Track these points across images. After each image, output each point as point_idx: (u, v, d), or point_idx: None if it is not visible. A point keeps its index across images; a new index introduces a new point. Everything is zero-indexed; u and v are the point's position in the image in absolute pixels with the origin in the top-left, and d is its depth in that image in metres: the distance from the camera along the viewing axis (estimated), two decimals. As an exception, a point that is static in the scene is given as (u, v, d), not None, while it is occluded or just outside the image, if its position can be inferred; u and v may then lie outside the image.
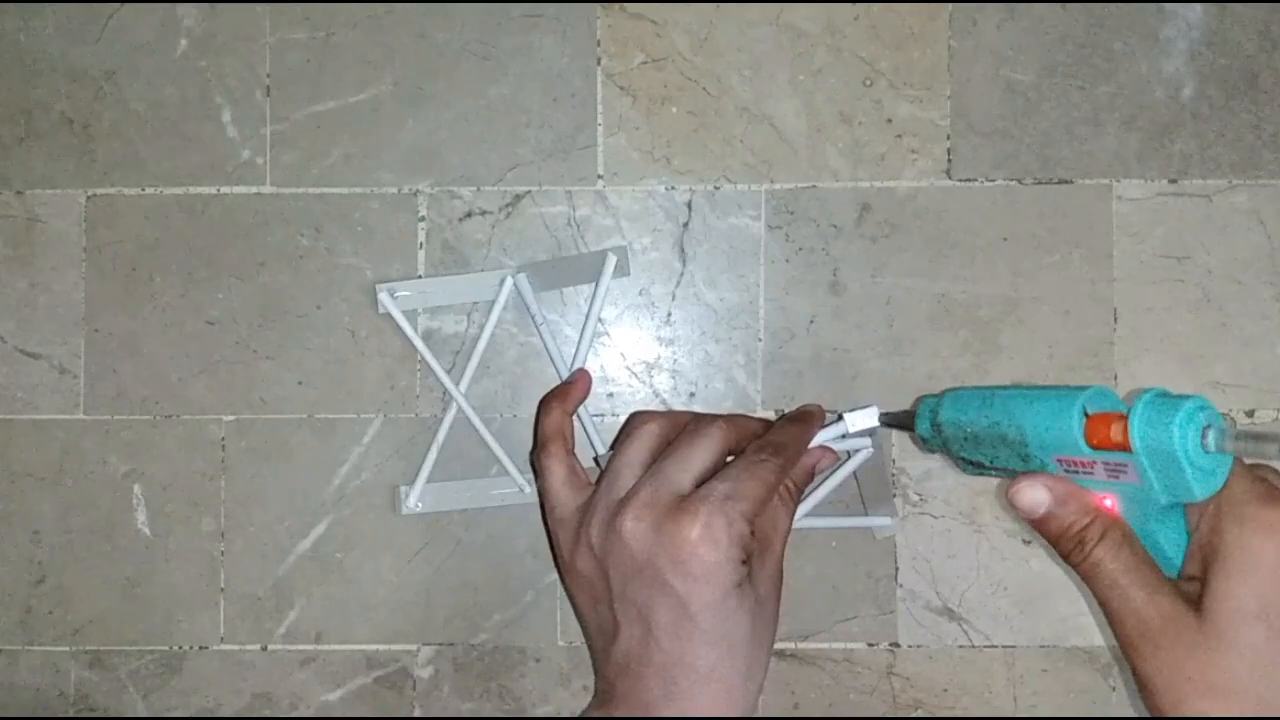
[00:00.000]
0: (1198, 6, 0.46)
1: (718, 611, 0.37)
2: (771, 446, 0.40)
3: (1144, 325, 0.46)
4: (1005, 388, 0.37)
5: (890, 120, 0.47)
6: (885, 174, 0.47)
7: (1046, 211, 0.46)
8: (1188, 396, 0.32)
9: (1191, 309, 0.46)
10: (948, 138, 0.47)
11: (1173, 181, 0.46)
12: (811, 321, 0.47)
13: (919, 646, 0.46)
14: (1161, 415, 0.31)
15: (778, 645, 0.46)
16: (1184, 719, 0.31)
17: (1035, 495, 0.34)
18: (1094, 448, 0.33)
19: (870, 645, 0.46)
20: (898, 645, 0.46)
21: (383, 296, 0.46)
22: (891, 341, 0.46)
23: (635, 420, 0.42)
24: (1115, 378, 0.46)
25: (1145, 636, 0.32)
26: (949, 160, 0.47)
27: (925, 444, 0.40)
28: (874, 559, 0.46)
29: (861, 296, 0.47)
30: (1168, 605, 0.32)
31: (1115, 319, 0.46)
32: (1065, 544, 0.34)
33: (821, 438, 0.42)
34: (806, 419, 0.42)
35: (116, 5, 0.47)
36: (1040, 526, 0.35)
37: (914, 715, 0.46)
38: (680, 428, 0.41)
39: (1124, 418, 0.32)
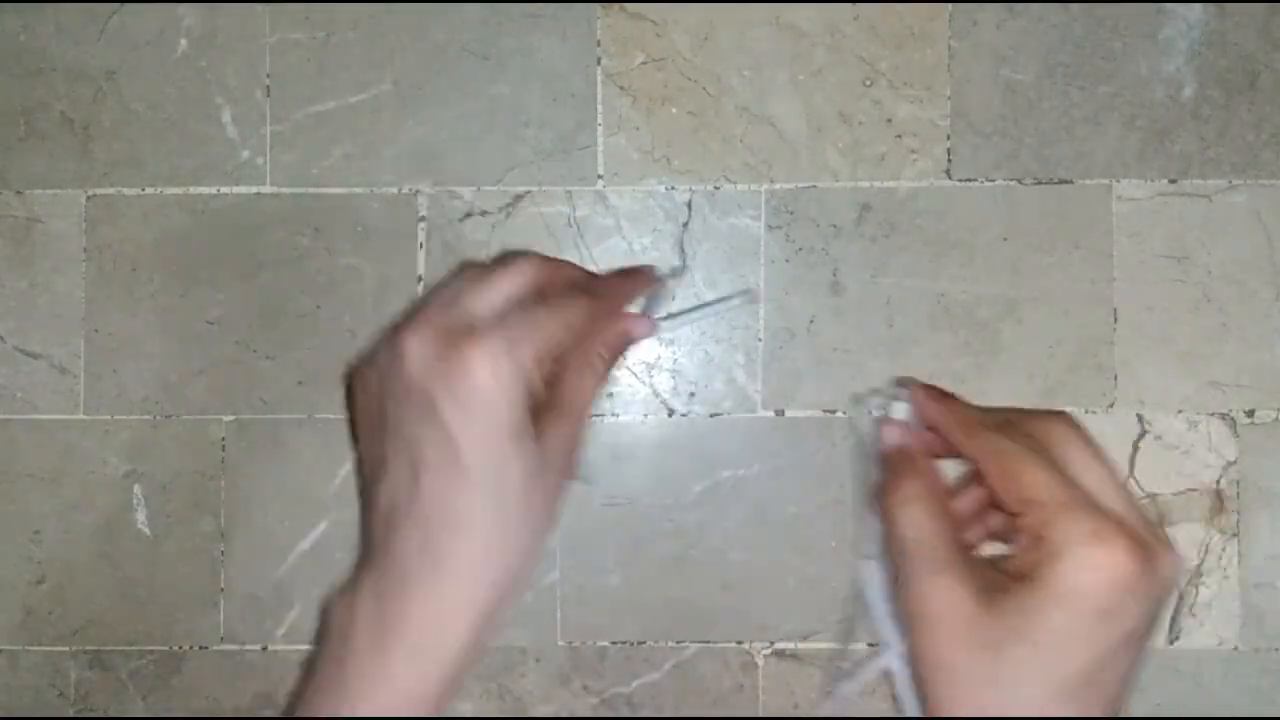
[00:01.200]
0: (1198, 6, 0.46)
1: (489, 455, 0.33)
2: (586, 291, 0.37)
3: (1144, 325, 0.46)
4: None
5: (890, 120, 0.47)
6: (885, 174, 0.47)
7: (1046, 211, 0.46)
8: None
9: (1191, 309, 0.46)
10: (948, 138, 0.47)
11: (1173, 181, 0.46)
12: (811, 321, 0.47)
13: (919, 646, 0.46)
14: None
15: (778, 645, 0.46)
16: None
17: (888, 433, 0.37)
18: None
19: (870, 645, 0.46)
20: (898, 645, 0.46)
21: None
22: (891, 341, 0.46)
23: (511, 258, 0.38)
24: (1115, 378, 0.46)
25: (924, 615, 0.32)
26: (949, 160, 0.47)
27: None
28: (874, 559, 0.46)
29: (861, 296, 0.47)
30: (950, 589, 0.32)
31: (1115, 319, 0.46)
32: (885, 484, 0.36)
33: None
34: (634, 276, 0.40)
35: (116, 5, 0.47)
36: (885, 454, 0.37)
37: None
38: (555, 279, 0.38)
39: None
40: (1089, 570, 0.30)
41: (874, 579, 0.38)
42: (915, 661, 0.33)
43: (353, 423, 0.38)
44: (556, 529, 0.36)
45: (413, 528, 0.34)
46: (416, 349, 0.34)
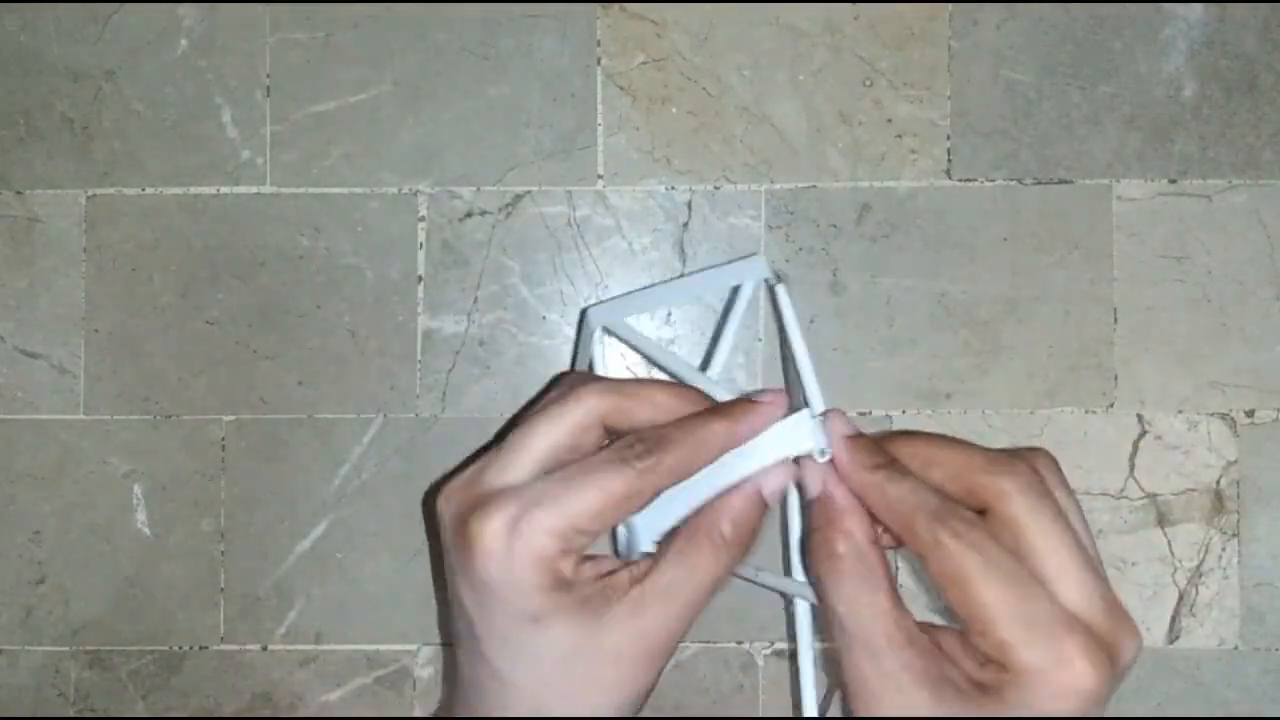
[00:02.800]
0: (1198, 6, 0.46)
1: (505, 643, 0.29)
2: (649, 441, 0.30)
3: (1144, 325, 0.46)
4: None
5: (890, 120, 0.47)
6: (885, 174, 0.47)
7: (1046, 211, 0.46)
8: None
9: (1191, 309, 0.46)
10: (948, 138, 0.47)
11: (1173, 181, 0.46)
12: (811, 321, 0.47)
13: (919, 646, 0.46)
14: None
15: (778, 645, 0.46)
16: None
17: (811, 479, 0.31)
18: None
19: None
20: (898, 645, 0.46)
21: (597, 334, 0.37)
22: (891, 341, 0.46)
23: (569, 392, 0.31)
24: (1115, 378, 0.46)
25: (862, 688, 0.29)
26: (949, 160, 0.47)
27: None
28: (874, 559, 0.46)
29: (861, 296, 0.47)
30: (911, 692, 0.28)
31: (1115, 319, 0.46)
32: (810, 537, 0.31)
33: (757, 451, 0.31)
34: (735, 412, 0.31)
35: (116, 5, 0.47)
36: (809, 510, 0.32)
37: (914, 715, 0.46)
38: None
39: None
40: (1059, 697, 0.27)
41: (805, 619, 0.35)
42: None
43: None
44: (630, 709, 0.31)
45: (459, 696, 0.32)
46: (446, 520, 0.30)
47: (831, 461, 0.31)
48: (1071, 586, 0.28)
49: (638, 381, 0.33)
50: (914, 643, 0.29)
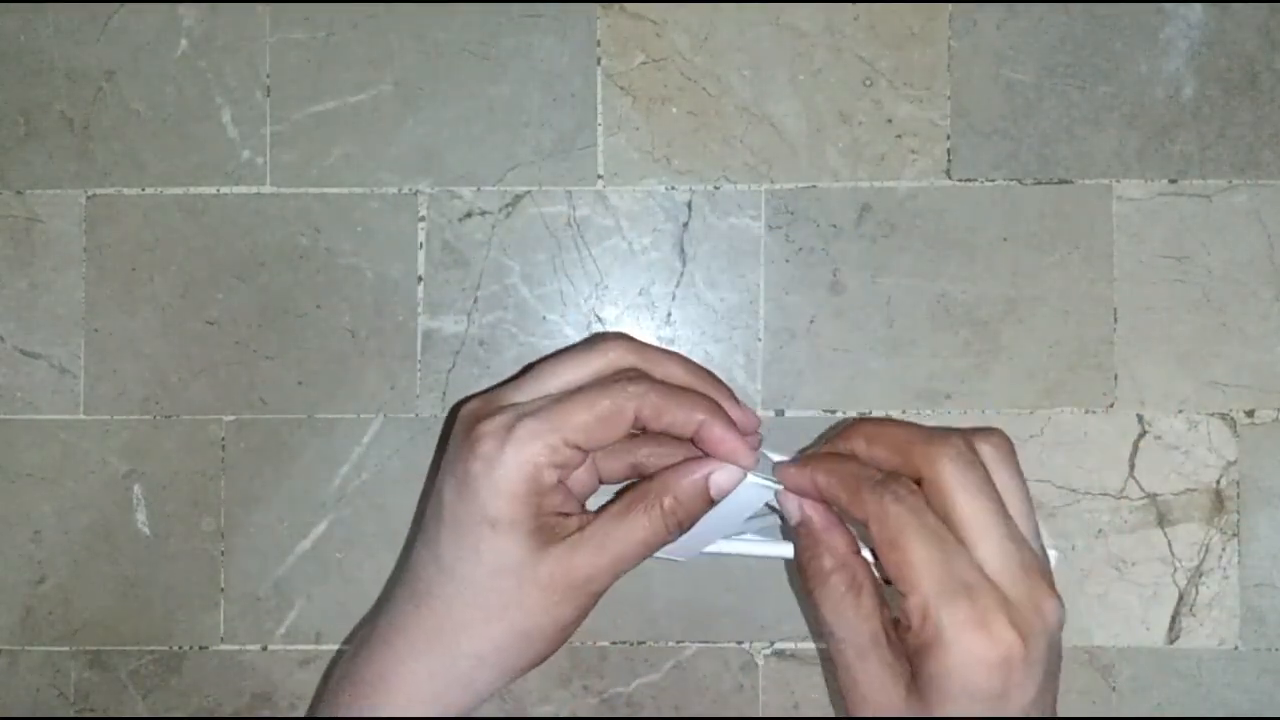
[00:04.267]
0: (1198, 6, 0.46)
1: (462, 537, 0.32)
2: (644, 378, 0.33)
3: (1144, 325, 0.46)
4: None
5: (890, 120, 0.47)
6: (885, 174, 0.47)
7: (1046, 211, 0.46)
8: None
9: (1191, 309, 0.46)
10: (948, 138, 0.47)
11: (1173, 181, 0.46)
12: (811, 321, 0.47)
13: (919, 646, 0.46)
14: None
15: (778, 644, 0.46)
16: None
17: (789, 507, 0.34)
18: None
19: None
20: (898, 645, 0.46)
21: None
22: (891, 341, 0.46)
23: (598, 340, 0.35)
24: (1115, 378, 0.46)
25: (853, 691, 0.32)
26: (949, 160, 0.47)
27: None
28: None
29: (861, 296, 0.47)
30: (876, 674, 0.31)
31: (1115, 319, 0.46)
32: (801, 565, 0.34)
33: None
34: (725, 422, 0.33)
35: (116, 5, 0.47)
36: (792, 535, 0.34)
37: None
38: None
39: None
40: (975, 661, 0.29)
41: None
42: None
43: None
44: (545, 643, 0.34)
45: (399, 589, 0.34)
46: (459, 424, 0.34)
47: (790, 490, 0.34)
48: (992, 552, 0.30)
49: (663, 351, 0.35)
50: (892, 637, 0.31)
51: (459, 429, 0.34)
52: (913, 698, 0.30)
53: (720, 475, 0.33)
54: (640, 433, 0.35)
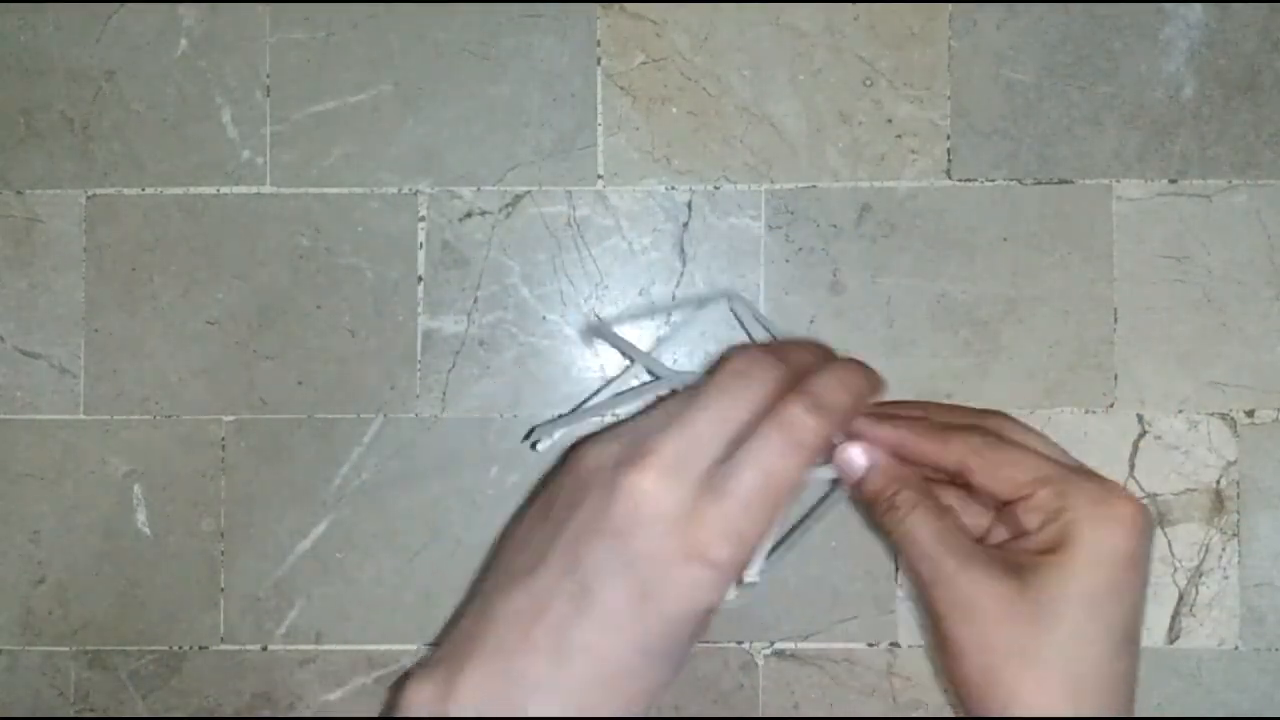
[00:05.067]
0: (1198, 6, 0.46)
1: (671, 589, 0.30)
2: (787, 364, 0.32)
3: (1144, 325, 0.46)
4: None
5: (890, 120, 0.47)
6: (885, 174, 0.47)
7: (1046, 211, 0.46)
8: None
9: (1191, 309, 0.46)
10: (948, 138, 0.47)
11: (1173, 181, 0.46)
12: (811, 322, 0.47)
13: (919, 646, 0.46)
14: None
15: (779, 645, 0.46)
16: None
17: (853, 459, 0.35)
18: None
19: (870, 645, 0.46)
20: (898, 645, 0.46)
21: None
22: (891, 341, 0.46)
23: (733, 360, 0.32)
24: (1115, 378, 0.46)
25: (957, 605, 0.32)
26: (949, 160, 0.47)
27: None
28: (874, 559, 0.46)
29: (861, 296, 0.47)
30: (985, 577, 0.32)
31: (1115, 319, 0.46)
32: (878, 509, 0.34)
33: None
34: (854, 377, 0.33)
35: (116, 5, 0.47)
36: (857, 489, 0.35)
37: (914, 715, 0.46)
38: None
39: None
40: (1116, 523, 0.31)
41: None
42: (953, 657, 0.32)
43: (535, 497, 0.34)
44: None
45: (543, 640, 0.29)
46: (593, 460, 0.31)
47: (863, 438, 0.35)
48: (1079, 467, 0.34)
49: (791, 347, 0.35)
50: (985, 547, 0.33)
51: (604, 459, 0.31)
52: (1030, 594, 0.31)
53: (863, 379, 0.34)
54: None
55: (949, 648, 0.33)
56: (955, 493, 0.35)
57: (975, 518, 0.35)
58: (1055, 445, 0.35)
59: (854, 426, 0.35)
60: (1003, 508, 0.34)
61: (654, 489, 0.29)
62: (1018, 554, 0.33)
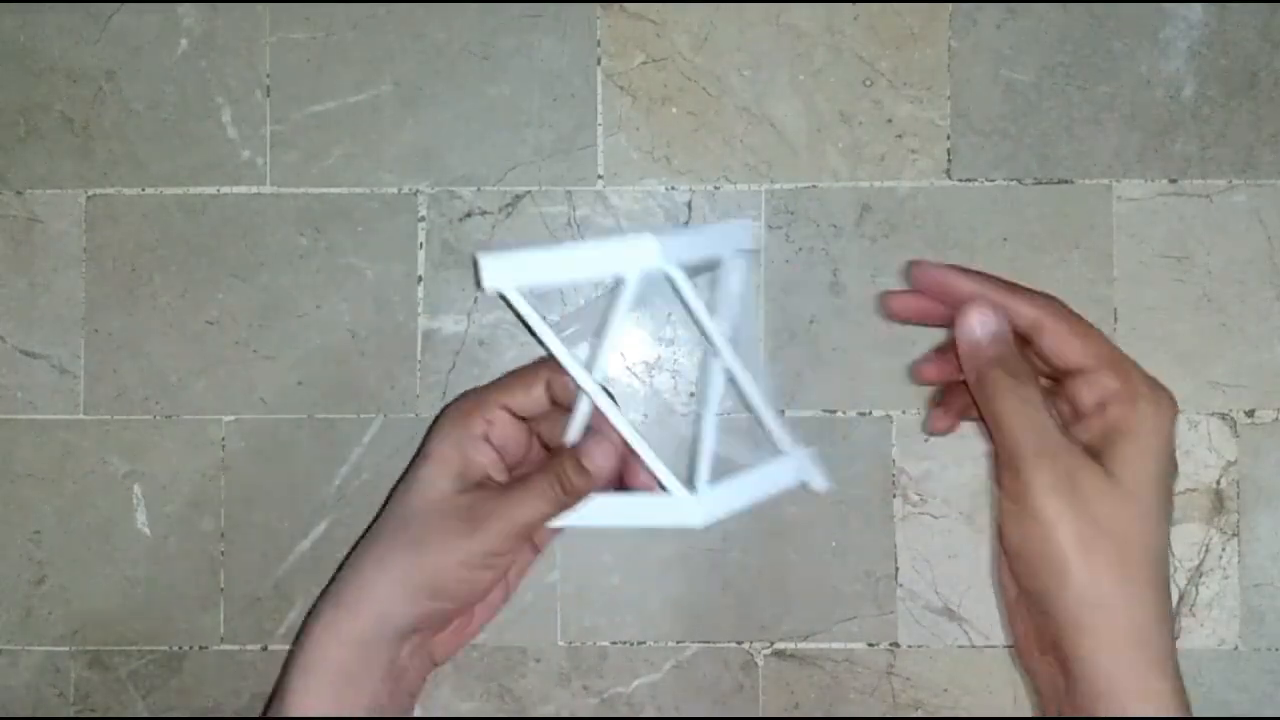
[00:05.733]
0: (1198, 6, 0.46)
1: (403, 478, 0.40)
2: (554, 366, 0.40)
3: (1144, 325, 0.46)
4: None
5: (890, 120, 0.47)
6: (885, 174, 0.47)
7: (1046, 211, 0.46)
8: None
9: (1191, 309, 0.46)
10: (948, 138, 0.47)
11: (1173, 181, 0.46)
12: (811, 321, 0.47)
13: (919, 646, 0.46)
14: None
15: (778, 645, 0.46)
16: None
17: (974, 326, 0.36)
18: None
19: (870, 645, 0.46)
20: (898, 645, 0.46)
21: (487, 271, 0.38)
22: (891, 341, 0.46)
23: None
24: (1115, 378, 0.46)
25: (1060, 480, 0.33)
26: (949, 160, 0.47)
27: None
28: (874, 559, 0.46)
29: (861, 296, 0.47)
30: (1081, 456, 0.34)
31: (1115, 319, 0.46)
32: (990, 376, 0.35)
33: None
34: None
35: (116, 5, 0.47)
36: (965, 357, 0.37)
37: (914, 715, 0.46)
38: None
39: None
40: (1168, 414, 0.35)
41: (756, 386, 0.40)
42: (1046, 526, 0.33)
43: None
44: (470, 583, 0.38)
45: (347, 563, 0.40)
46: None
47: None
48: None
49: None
50: (1070, 436, 0.35)
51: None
52: (1115, 471, 0.34)
53: (595, 461, 0.38)
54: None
55: (1041, 518, 0.33)
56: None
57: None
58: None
59: (945, 277, 0.37)
60: (1059, 380, 0.36)
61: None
62: (1091, 433, 0.35)
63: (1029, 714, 0.46)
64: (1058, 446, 0.34)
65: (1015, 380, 0.35)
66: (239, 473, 0.47)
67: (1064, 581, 0.33)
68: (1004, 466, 0.35)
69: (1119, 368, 0.35)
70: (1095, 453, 0.34)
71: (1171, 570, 0.46)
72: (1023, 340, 0.36)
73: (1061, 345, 0.36)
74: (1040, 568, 0.34)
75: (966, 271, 0.38)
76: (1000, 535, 0.35)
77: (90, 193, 0.47)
